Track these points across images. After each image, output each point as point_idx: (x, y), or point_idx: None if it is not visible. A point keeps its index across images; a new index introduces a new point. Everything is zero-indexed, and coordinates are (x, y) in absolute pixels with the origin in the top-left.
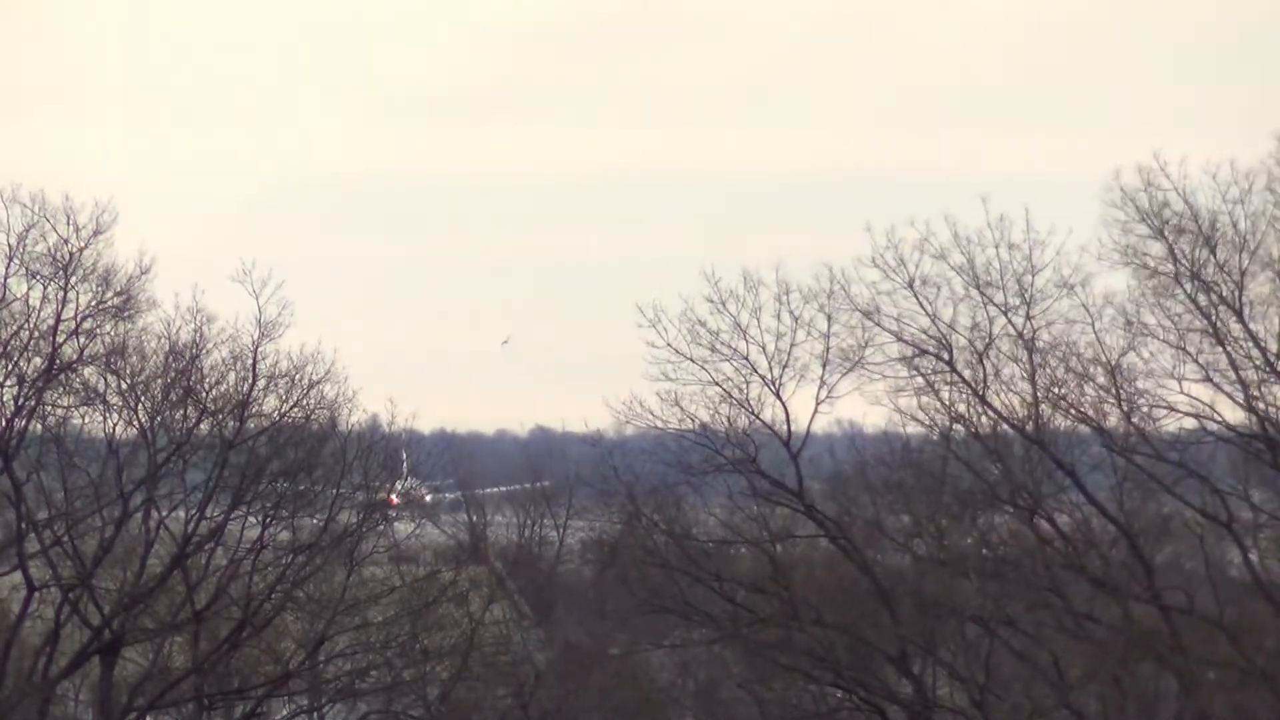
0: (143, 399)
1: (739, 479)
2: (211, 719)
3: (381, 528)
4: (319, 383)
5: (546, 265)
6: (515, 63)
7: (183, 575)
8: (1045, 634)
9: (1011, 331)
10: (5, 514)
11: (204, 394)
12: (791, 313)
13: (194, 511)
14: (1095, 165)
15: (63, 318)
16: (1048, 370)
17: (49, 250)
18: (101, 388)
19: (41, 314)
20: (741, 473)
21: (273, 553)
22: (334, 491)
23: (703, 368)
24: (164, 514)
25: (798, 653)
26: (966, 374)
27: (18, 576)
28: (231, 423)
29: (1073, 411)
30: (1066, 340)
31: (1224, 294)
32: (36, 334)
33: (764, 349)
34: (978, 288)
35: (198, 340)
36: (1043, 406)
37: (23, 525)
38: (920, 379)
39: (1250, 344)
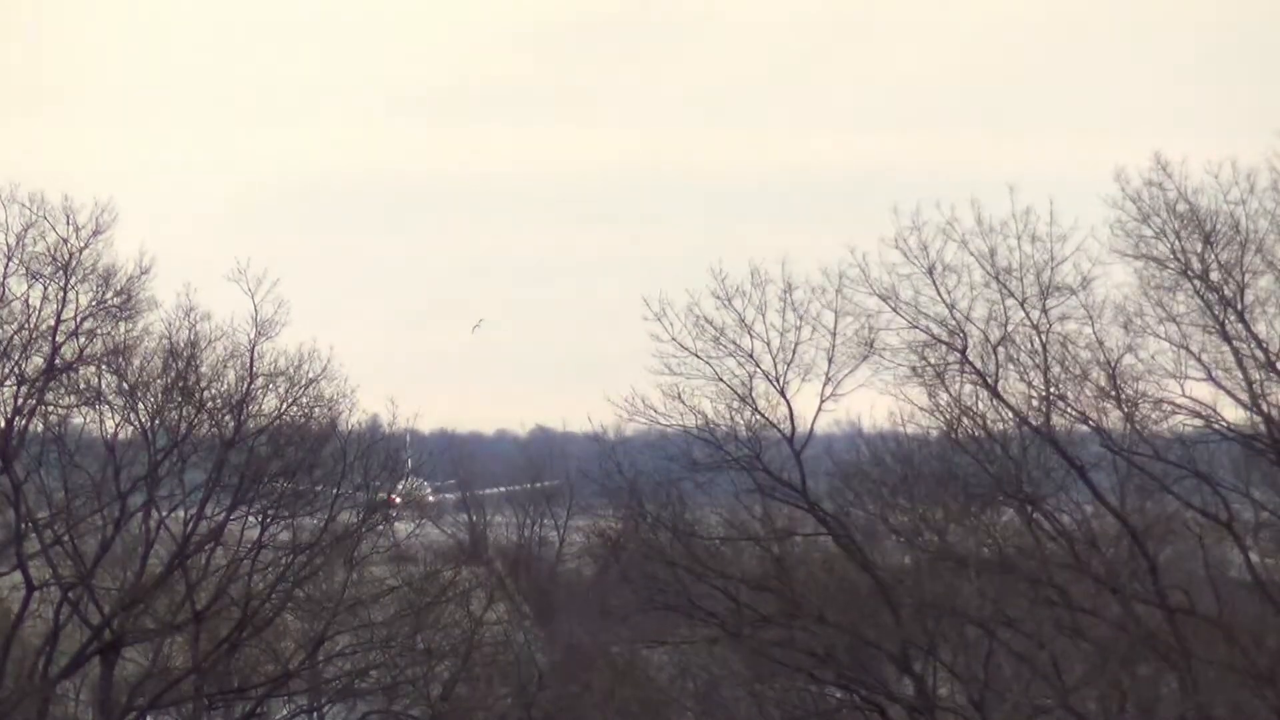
0: (142, 399)
1: (742, 476)
2: (211, 719)
3: (381, 527)
4: (316, 380)
5: (546, 265)
6: (515, 63)
7: (183, 575)
8: (1045, 634)
9: (1027, 324)
10: (5, 514)
11: (202, 393)
12: (796, 309)
13: (194, 511)
14: (1096, 165)
15: (63, 318)
16: (1060, 363)
17: (48, 250)
18: (101, 387)
19: (41, 314)
20: (745, 470)
21: (273, 553)
22: (334, 491)
23: (707, 363)
24: (164, 514)
25: (799, 651)
26: (979, 365)
27: (18, 576)
28: (230, 421)
29: (1070, 411)
30: (1074, 337)
31: (1226, 293)
32: (36, 334)
33: (769, 345)
34: (997, 277)
35: (195, 339)
36: (1054, 401)
37: (23, 525)
38: (931, 368)
39: (1253, 344)
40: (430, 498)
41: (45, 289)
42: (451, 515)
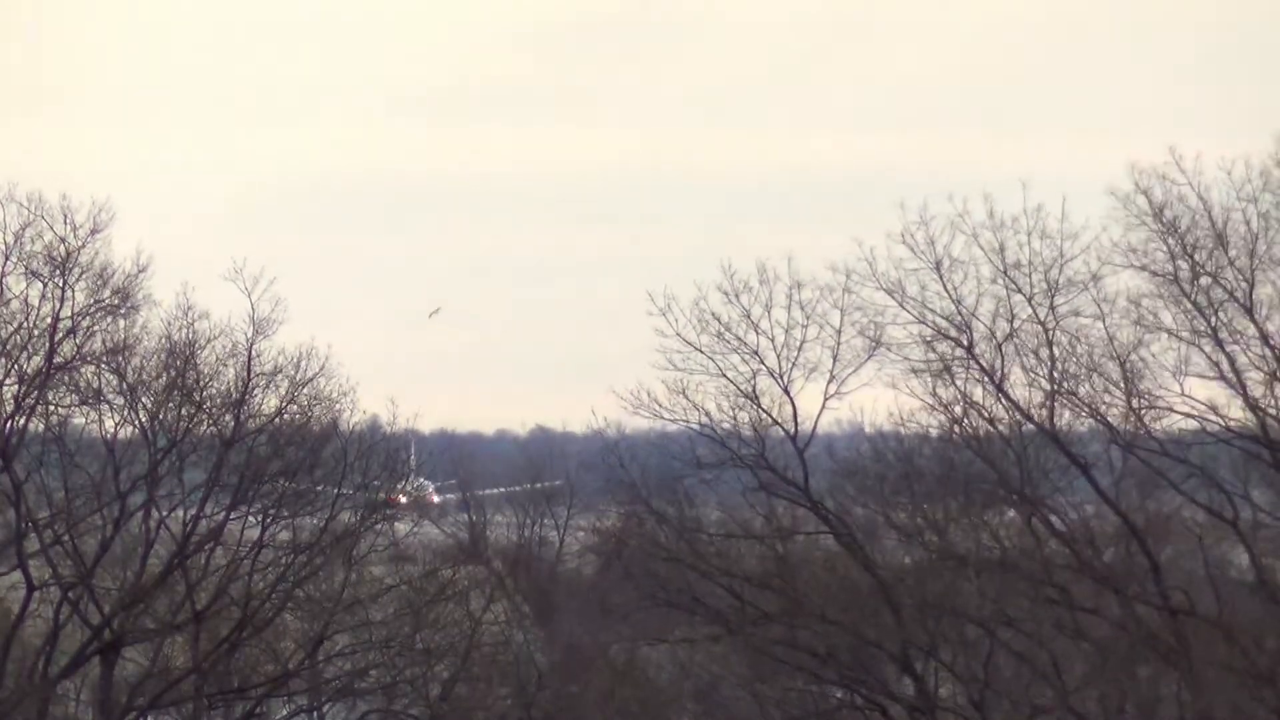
0: (142, 398)
1: (745, 473)
2: (211, 719)
3: (380, 526)
4: (314, 377)
5: (546, 265)
6: (515, 63)
7: (183, 575)
8: (1046, 634)
9: (1035, 321)
10: (5, 513)
11: (202, 392)
12: (803, 307)
13: (193, 511)
14: (1096, 165)
15: (61, 316)
16: (1066, 361)
17: (46, 249)
18: (101, 386)
19: (40, 312)
20: (749, 467)
21: (273, 552)
22: (334, 491)
23: (711, 359)
24: (164, 513)
25: (801, 650)
26: (984, 361)
27: (18, 576)
28: (230, 421)
29: (1076, 408)
30: (1081, 334)
31: (1234, 292)
32: (35, 333)
33: (773, 342)
34: (1005, 273)
35: (195, 338)
36: (1057, 398)
37: (23, 525)
38: (937, 363)
39: (1261, 343)
40: (435, 498)
41: (43, 288)
42: (452, 515)
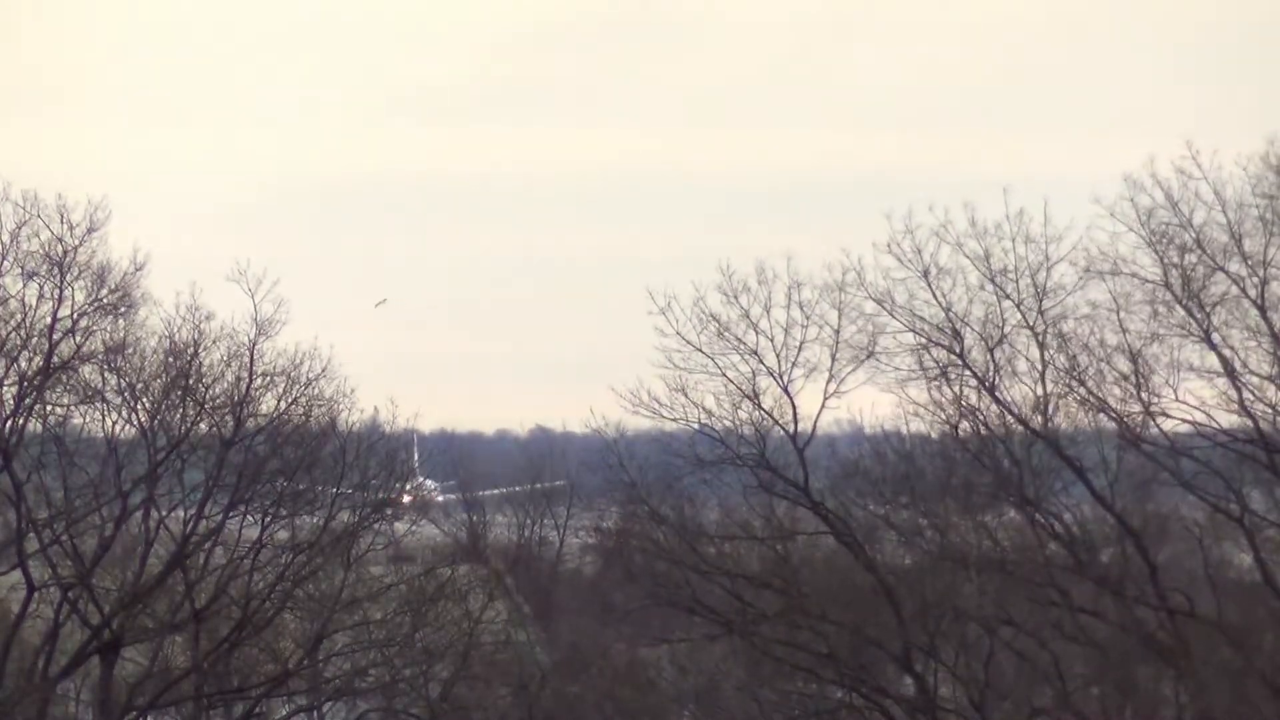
0: (142, 397)
1: (745, 472)
2: (211, 718)
3: (379, 526)
4: (316, 379)
5: (546, 265)
6: (515, 62)
7: (182, 575)
8: (1047, 634)
9: (1024, 325)
10: (5, 513)
11: (202, 392)
12: (802, 307)
13: (193, 511)
14: (1097, 165)
15: (59, 316)
16: (1058, 365)
17: (43, 248)
18: (100, 386)
19: (38, 312)
20: (749, 467)
21: (272, 552)
22: (334, 491)
23: (711, 358)
24: (163, 513)
25: (801, 650)
26: (977, 367)
27: (18, 576)
28: (230, 421)
29: (1080, 407)
30: (1076, 336)
31: (1247, 291)
32: (33, 332)
33: (773, 342)
34: (992, 280)
35: (195, 338)
36: (1051, 401)
37: (23, 524)
38: (932, 369)
39: (1272, 342)
40: (440, 497)
41: (41, 287)
42: (453, 515)
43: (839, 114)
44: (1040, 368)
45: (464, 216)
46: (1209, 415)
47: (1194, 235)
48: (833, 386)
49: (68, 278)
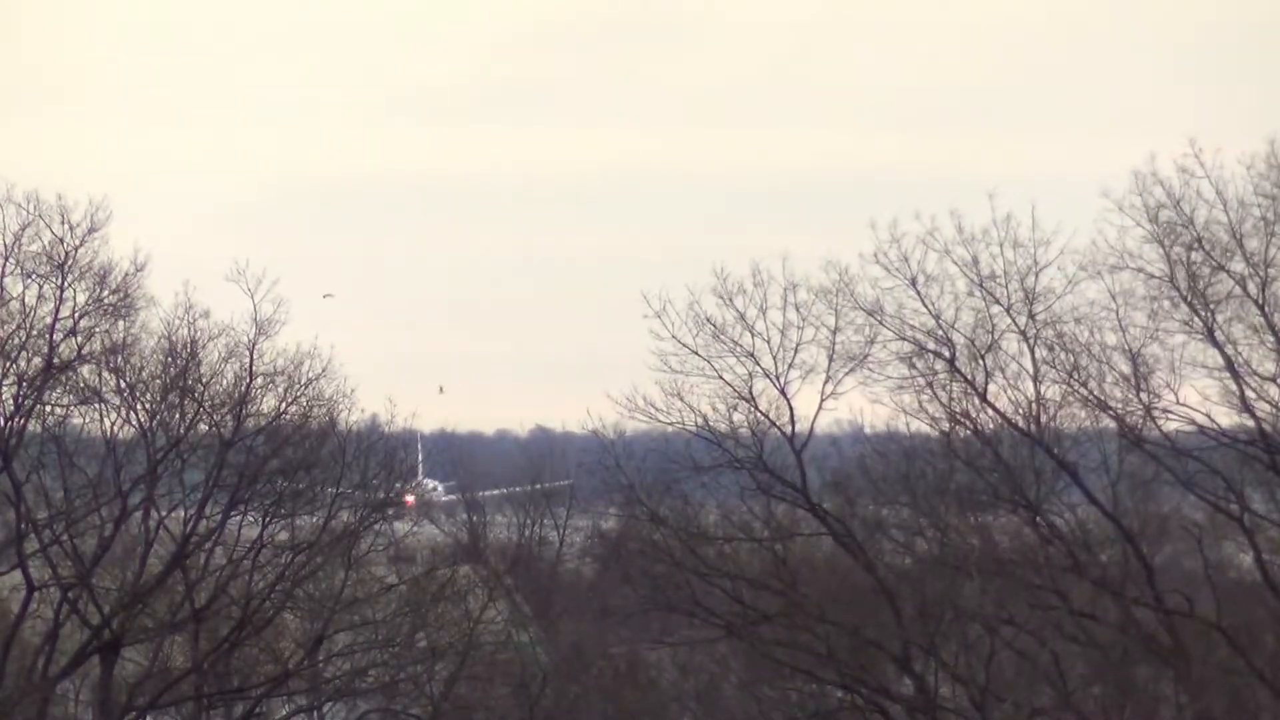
0: (141, 397)
1: (743, 475)
2: (211, 718)
3: (380, 526)
4: (316, 379)
5: (546, 265)
6: (515, 62)
7: (182, 575)
8: (1047, 633)
9: (1015, 330)
10: (5, 514)
11: (202, 392)
12: (798, 309)
13: (193, 511)
14: (1097, 165)
15: (60, 316)
16: (1052, 368)
17: (44, 249)
18: (100, 386)
19: (39, 313)
20: (746, 469)
21: (272, 552)
22: (333, 491)
23: (707, 360)
24: (163, 513)
25: (801, 651)
26: (968, 372)
27: (18, 576)
28: (229, 421)
29: (1094, 399)
30: (1071, 338)
31: (1249, 291)
32: (34, 333)
33: (769, 343)
34: (981, 285)
35: (195, 338)
36: (1044, 405)
37: (23, 525)
38: (922, 378)
39: (1274, 340)
40: (444, 497)
41: (41, 288)
42: (453, 515)
43: (839, 114)
44: (1033, 371)
45: (464, 216)
46: (1210, 416)
47: (1195, 234)
48: (829, 388)
49: (68, 278)
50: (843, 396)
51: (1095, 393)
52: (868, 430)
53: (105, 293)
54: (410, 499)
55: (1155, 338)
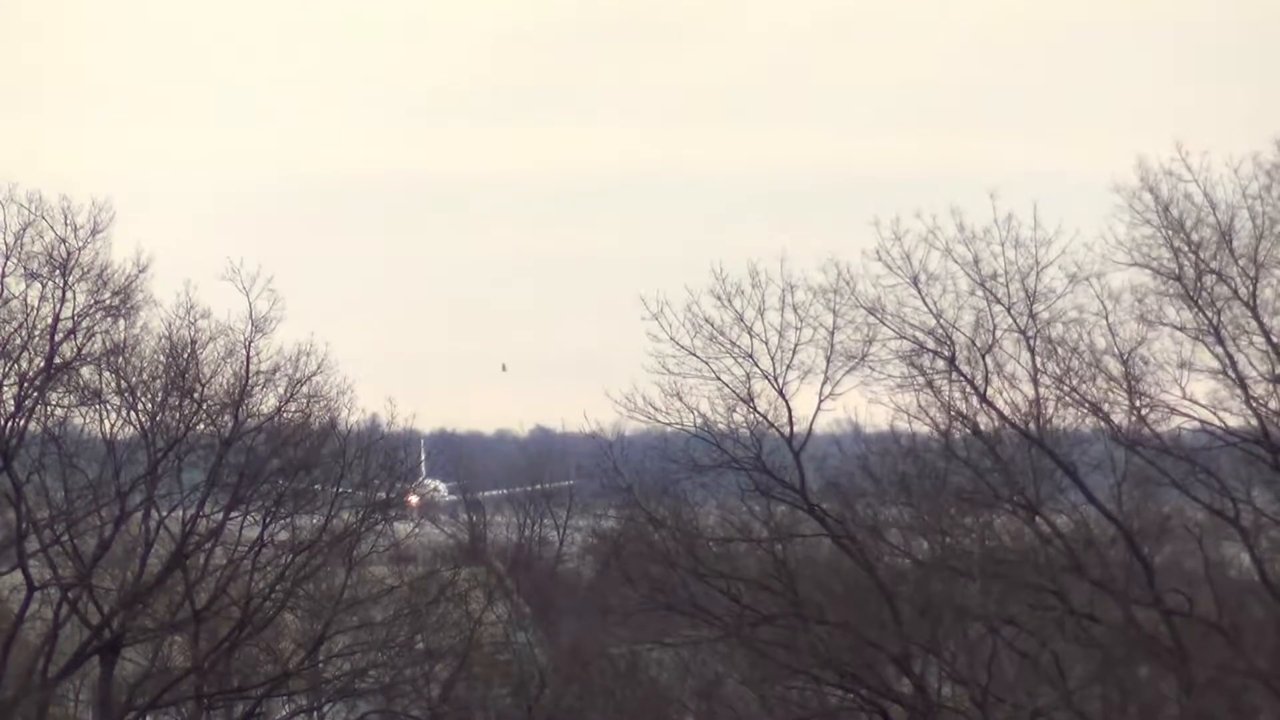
0: (141, 398)
1: (742, 476)
2: (211, 718)
3: (380, 526)
4: (313, 375)
5: (546, 265)
6: (515, 63)
7: (182, 575)
8: (1047, 635)
9: (1015, 329)
10: (5, 514)
11: (201, 391)
12: (796, 309)
13: (193, 511)
14: (1097, 165)
15: (61, 317)
16: (1052, 366)
17: (46, 249)
18: (100, 387)
19: (40, 313)
20: (745, 470)
21: (272, 552)
22: (334, 490)
23: (705, 362)
24: (163, 513)
25: (801, 652)
26: (968, 372)
27: (18, 576)
28: (228, 420)
29: (1086, 402)
30: (1071, 338)
31: (1239, 291)
32: (35, 333)
33: (767, 344)
34: (982, 284)
35: (194, 338)
36: (1044, 405)
37: (23, 525)
38: (922, 377)
39: (1263, 341)
40: (448, 497)
41: (43, 288)
42: (453, 515)
43: (838, 114)
44: (1033, 371)
45: (464, 216)
46: (1213, 414)
47: (1185, 237)
48: (828, 389)
49: (70, 279)
50: (841, 397)
51: (1094, 393)
52: (867, 430)
53: (107, 294)
54: (414, 500)
55: (1158, 335)
